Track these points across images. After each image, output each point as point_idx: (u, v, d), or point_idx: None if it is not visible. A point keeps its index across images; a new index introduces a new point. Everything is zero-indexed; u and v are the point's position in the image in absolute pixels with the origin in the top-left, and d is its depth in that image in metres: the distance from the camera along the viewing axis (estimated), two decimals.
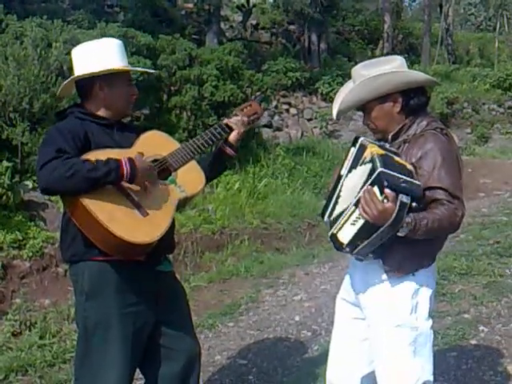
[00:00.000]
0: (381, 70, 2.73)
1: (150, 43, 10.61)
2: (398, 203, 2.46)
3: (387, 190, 2.46)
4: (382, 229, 2.50)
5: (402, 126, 2.79)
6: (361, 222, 2.56)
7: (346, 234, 2.65)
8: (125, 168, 2.72)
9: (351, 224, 2.62)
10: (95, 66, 2.92)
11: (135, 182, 2.78)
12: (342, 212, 2.69)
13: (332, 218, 2.78)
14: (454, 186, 2.64)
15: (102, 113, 2.99)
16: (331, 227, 2.75)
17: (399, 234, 2.53)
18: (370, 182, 2.53)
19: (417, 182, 2.55)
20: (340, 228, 2.68)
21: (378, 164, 2.51)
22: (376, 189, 2.50)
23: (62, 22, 9.46)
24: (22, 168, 7.47)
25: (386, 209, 2.46)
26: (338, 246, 2.70)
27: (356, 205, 2.59)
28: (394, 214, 2.46)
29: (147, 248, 2.80)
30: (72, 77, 3.01)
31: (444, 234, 2.75)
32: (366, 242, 2.58)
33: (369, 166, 2.57)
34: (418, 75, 2.82)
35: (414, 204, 2.51)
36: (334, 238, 2.72)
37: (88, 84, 2.97)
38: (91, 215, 2.67)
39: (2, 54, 7.90)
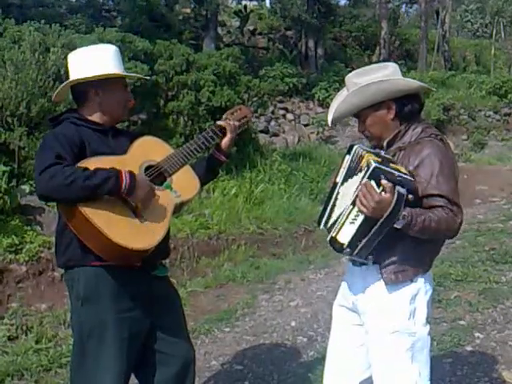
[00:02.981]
0: (373, 78, 2.74)
1: (148, 48, 10.62)
2: (396, 194, 2.49)
3: (384, 181, 2.49)
4: (380, 221, 2.52)
5: (397, 132, 2.80)
6: (360, 218, 2.58)
7: (345, 234, 2.65)
8: (124, 179, 2.72)
9: (350, 223, 2.63)
10: (91, 71, 2.93)
11: (133, 195, 2.76)
12: (340, 215, 2.70)
13: (329, 226, 2.79)
14: (452, 193, 2.65)
15: (96, 118, 3.00)
16: (329, 232, 2.76)
17: (396, 226, 2.54)
18: (366, 177, 2.57)
19: (412, 180, 2.59)
20: (339, 230, 2.68)
21: (373, 162, 2.56)
22: (373, 182, 2.53)
23: (59, 27, 9.45)
24: (19, 172, 7.46)
25: (384, 199, 2.49)
26: (339, 247, 2.69)
27: (353, 204, 2.62)
28: (392, 204, 2.49)
29: (145, 254, 2.81)
30: (67, 81, 3.02)
31: (440, 237, 2.74)
32: (365, 240, 2.59)
33: (365, 169, 2.60)
34: (410, 82, 2.83)
35: (410, 196, 2.54)
36: (333, 240, 2.71)
37: (83, 89, 2.98)
38: (89, 221, 2.68)
39: (0, 59, 7.90)
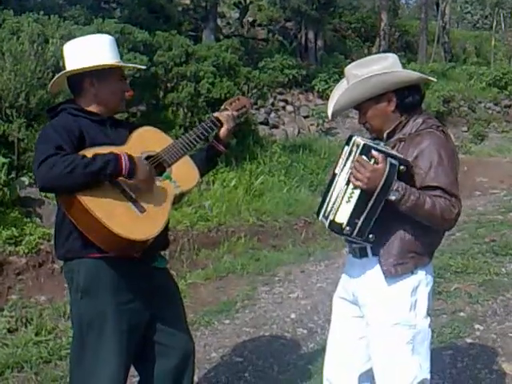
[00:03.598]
0: (373, 71, 2.73)
1: (147, 39, 10.57)
2: (388, 163, 2.55)
3: (375, 152, 2.56)
4: (375, 193, 2.56)
5: (398, 124, 2.80)
6: (355, 194, 2.61)
7: (343, 214, 2.65)
8: (123, 161, 2.72)
9: (346, 202, 2.64)
10: (85, 61, 2.92)
11: (134, 178, 2.77)
12: (336, 199, 2.70)
13: (326, 213, 2.78)
14: (451, 185, 2.65)
15: (93, 109, 2.98)
16: (327, 218, 2.74)
17: (390, 198, 2.57)
18: (357, 154, 2.61)
19: (401, 156, 2.64)
20: (336, 211, 2.68)
21: (361, 141, 2.63)
22: (364, 157, 2.58)
23: (58, 18, 9.41)
24: (18, 164, 7.44)
25: (377, 169, 2.54)
26: (338, 228, 2.68)
27: (348, 183, 2.64)
28: (385, 174, 2.53)
29: (145, 244, 2.80)
30: (62, 72, 3.01)
31: (435, 224, 2.71)
32: (363, 217, 2.60)
33: (354, 149, 2.65)
34: (410, 74, 2.82)
35: (402, 167, 2.59)
36: (332, 223, 2.69)
37: (79, 80, 2.97)
38: (89, 213, 2.67)
39: None
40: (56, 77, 3.07)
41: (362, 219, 2.61)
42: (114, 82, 3.00)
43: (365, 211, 2.60)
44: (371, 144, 2.61)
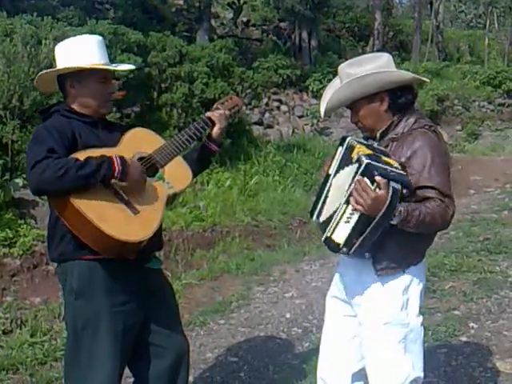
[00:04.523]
0: (367, 70, 2.73)
1: (141, 40, 10.56)
2: (391, 190, 2.48)
3: (378, 178, 2.48)
4: (376, 219, 2.51)
5: (390, 123, 2.80)
6: (355, 217, 2.56)
7: (341, 234, 2.63)
8: (116, 164, 2.72)
9: (345, 222, 2.61)
10: (65, 62, 2.92)
11: (127, 180, 2.76)
12: (333, 214, 2.68)
13: (322, 221, 2.77)
14: (444, 185, 2.65)
15: (82, 110, 2.97)
16: (323, 231, 2.73)
17: (392, 222, 2.54)
18: (359, 174, 2.55)
19: (404, 173, 2.58)
20: (334, 229, 2.66)
21: (365, 159, 2.53)
22: (366, 179, 2.51)
23: (51, 19, 9.39)
24: (12, 166, 7.43)
25: (379, 196, 2.47)
26: (334, 247, 2.67)
27: (347, 202, 2.60)
28: (388, 201, 2.48)
29: (139, 246, 2.80)
30: (40, 73, 3.02)
31: (434, 229, 2.75)
32: (361, 238, 2.57)
33: (356, 165, 2.59)
34: (404, 74, 2.83)
35: (404, 191, 2.54)
36: (328, 240, 2.69)
37: (61, 82, 2.98)
38: (82, 215, 2.66)
39: None
40: (35, 79, 3.09)
41: (359, 241, 2.57)
42: (94, 83, 2.95)
43: (363, 233, 2.56)
44: (374, 163, 2.52)
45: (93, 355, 2.87)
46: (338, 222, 2.65)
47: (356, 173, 2.57)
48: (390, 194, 2.48)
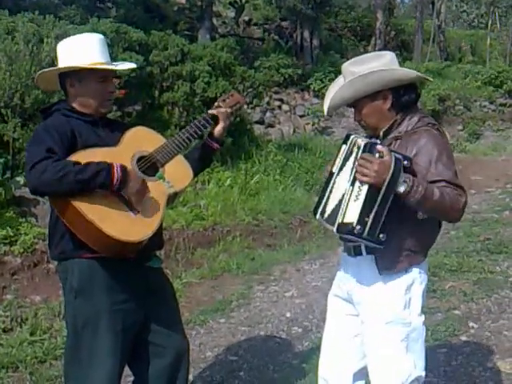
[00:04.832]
0: (371, 68, 2.73)
1: (142, 39, 10.57)
2: (393, 156, 2.53)
3: (379, 146, 2.55)
4: (383, 188, 2.51)
5: (393, 122, 2.80)
6: (363, 192, 2.56)
7: (352, 213, 2.59)
8: (116, 173, 2.70)
9: (354, 201, 2.59)
10: (64, 61, 2.92)
11: (124, 190, 2.75)
12: (341, 200, 2.66)
13: (328, 215, 2.74)
14: (454, 177, 2.65)
15: (82, 109, 2.97)
16: (332, 223, 2.68)
17: (399, 190, 2.53)
18: (359, 153, 2.60)
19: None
20: (344, 212, 2.62)
21: (362, 142, 2.63)
22: (368, 154, 2.57)
23: (53, 18, 9.39)
24: (13, 164, 7.44)
25: (384, 161, 2.51)
26: (348, 229, 2.59)
27: (352, 183, 2.61)
28: (392, 166, 2.51)
29: (139, 246, 2.80)
30: (40, 72, 3.02)
31: (444, 214, 2.68)
32: (373, 214, 2.54)
33: (356, 150, 2.65)
34: (408, 72, 2.82)
35: (405, 162, 2.57)
36: (341, 226, 2.63)
37: (61, 81, 2.98)
38: (82, 215, 2.66)
39: None
40: (35, 78, 3.09)
41: (371, 216, 2.54)
42: (94, 82, 2.94)
43: (374, 207, 2.54)
44: (372, 141, 2.62)
45: (93, 353, 2.87)
46: (347, 204, 2.62)
47: (357, 154, 2.62)
48: (394, 159, 2.53)
